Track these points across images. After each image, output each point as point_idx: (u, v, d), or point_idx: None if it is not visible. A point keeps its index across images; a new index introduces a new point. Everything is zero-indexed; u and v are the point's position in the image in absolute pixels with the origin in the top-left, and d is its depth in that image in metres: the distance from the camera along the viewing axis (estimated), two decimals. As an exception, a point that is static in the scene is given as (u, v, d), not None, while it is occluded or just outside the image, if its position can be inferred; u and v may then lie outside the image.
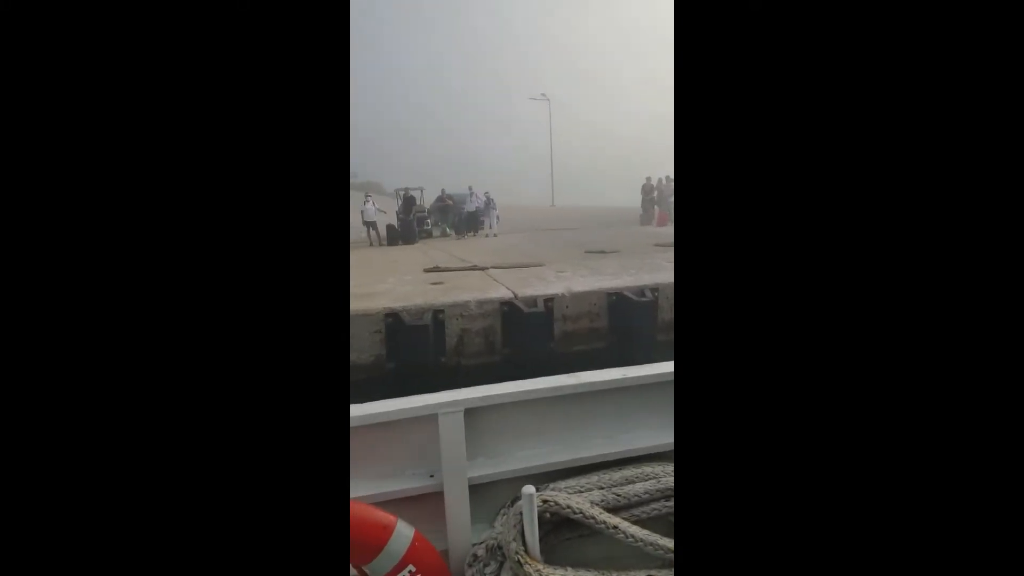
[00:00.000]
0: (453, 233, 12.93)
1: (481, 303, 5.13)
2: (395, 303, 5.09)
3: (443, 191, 13.90)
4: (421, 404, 1.35)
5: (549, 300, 5.08)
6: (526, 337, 4.92)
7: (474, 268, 7.06)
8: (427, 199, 14.26)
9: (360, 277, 6.73)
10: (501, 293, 5.28)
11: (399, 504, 1.32)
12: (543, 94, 28.03)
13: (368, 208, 11.26)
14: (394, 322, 4.85)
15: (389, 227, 11.23)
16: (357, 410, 1.36)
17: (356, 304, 5.10)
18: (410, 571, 1.19)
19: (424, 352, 4.83)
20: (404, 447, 1.40)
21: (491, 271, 6.77)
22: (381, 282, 6.21)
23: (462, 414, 1.31)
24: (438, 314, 4.94)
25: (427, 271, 6.98)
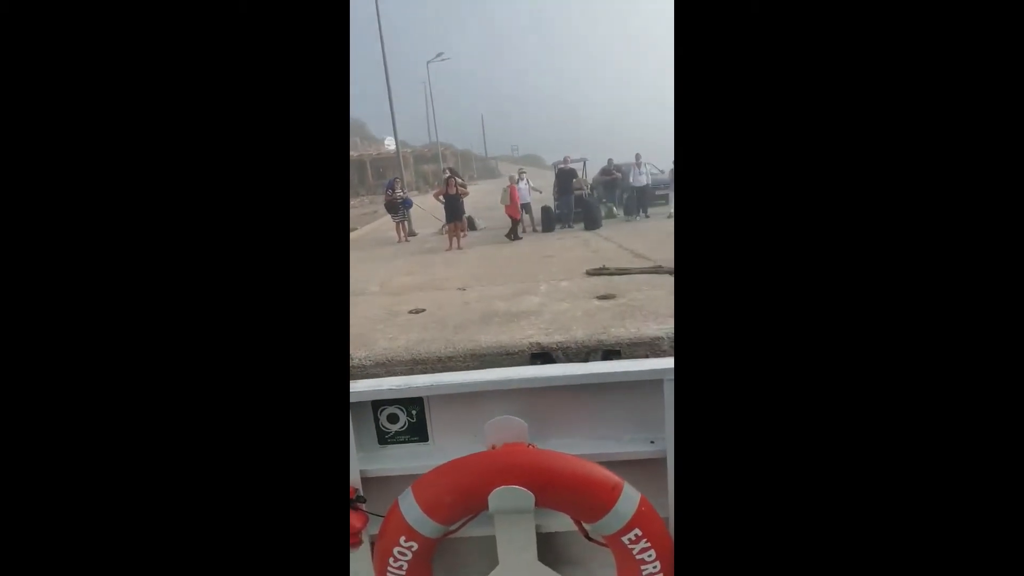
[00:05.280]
0: (621, 213, 11.10)
1: (678, 341, 3.38)
2: (547, 335, 3.65)
3: (609, 161, 12.12)
4: (646, 368, 1.47)
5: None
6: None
7: (657, 270, 5.31)
8: (592, 173, 12.62)
9: (508, 280, 5.48)
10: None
11: (617, 467, 1.37)
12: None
13: (521, 188, 10.01)
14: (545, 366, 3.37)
15: (544, 209, 9.88)
16: (577, 368, 1.54)
17: (499, 332, 3.79)
18: (636, 534, 1.27)
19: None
20: (624, 410, 1.52)
21: (682, 275, 4.95)
22: (532, 292, 4.85)
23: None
24: (610, 357, 3.34)
25: (590, 273, 5.43)
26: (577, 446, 1.49)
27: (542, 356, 3.44)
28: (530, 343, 3.57)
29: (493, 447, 1.45)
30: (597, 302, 4.27)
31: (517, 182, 10.18)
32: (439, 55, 28.05)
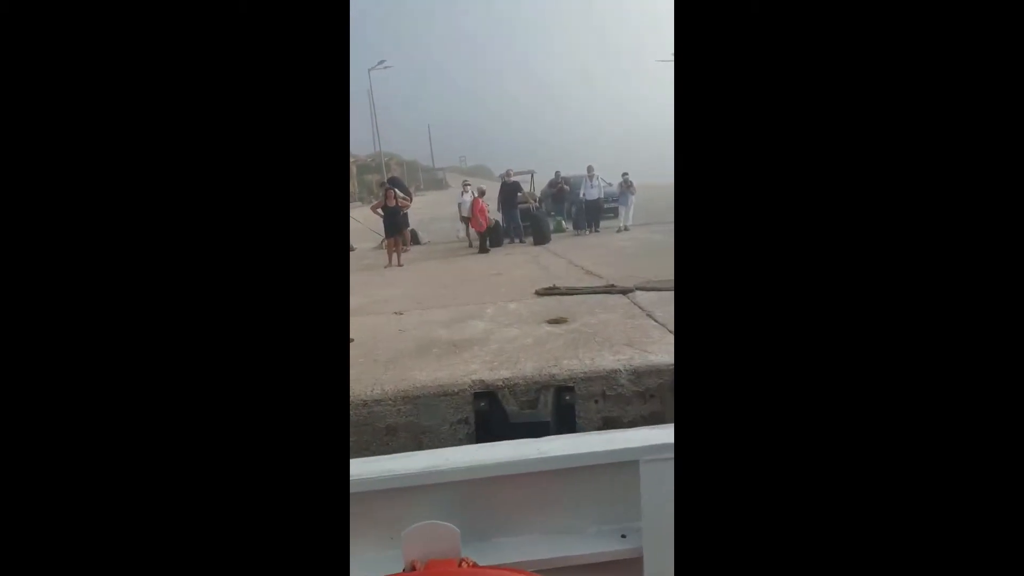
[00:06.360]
0: (570, 227, 10.88)
1: (637, 374, 3.11)
2: (492, 369, 3.25)
3: (557, 173, 11.93)
4: (617, 448, 1.19)
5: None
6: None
7: (610, 289, 5.04)
8: (540, 185, 12.41)
9: (451, 301, 5.03)
10: (670, 346, 3.16)
11: (580, 573, 1.17)
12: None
13: (466, 200, 9.62)
14: (489, 408, 2.98)
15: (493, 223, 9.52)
16: (527, 451, 1.22)
17: (437, 367, 3.34)
18: None
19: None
20: (588, 497, 1.25)
21: (637, 295, 4.71)
22: (477, 315, 4.43)
23: (672, 462, 1.05)
24: (563, 396, 2.99)
25: (540, 294, 5.09)
26: (527, 548, 1.19)
27: (486, 396, 3.02)
28: (472, 380, 3.13)
29: (414, 566, 1.09)
30: (548, 327, 3.90)
31: (462, 194, 9.81)
32: (381, 63, 27.40)
